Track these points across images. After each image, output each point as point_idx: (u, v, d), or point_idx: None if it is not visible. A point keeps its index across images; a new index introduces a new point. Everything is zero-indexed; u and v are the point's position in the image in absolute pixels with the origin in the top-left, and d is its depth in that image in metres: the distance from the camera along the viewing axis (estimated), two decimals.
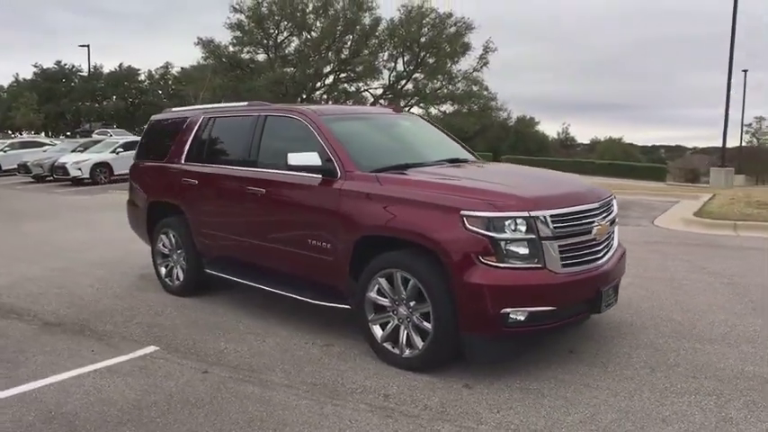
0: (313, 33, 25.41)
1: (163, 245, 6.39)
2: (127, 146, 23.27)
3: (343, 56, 26.99)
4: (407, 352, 4.19)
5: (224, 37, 33.53)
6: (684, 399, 3.71)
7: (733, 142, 48.14)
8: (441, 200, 4.00)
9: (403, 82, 27.59)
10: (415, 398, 3.78)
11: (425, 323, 4.05)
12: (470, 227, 3.81)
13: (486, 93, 26.40)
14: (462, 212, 3.84)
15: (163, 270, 6.45)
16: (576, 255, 4.03)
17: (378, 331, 4.37)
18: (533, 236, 3.82)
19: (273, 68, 25.03)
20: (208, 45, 25.70)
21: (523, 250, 3.81)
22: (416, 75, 27.35)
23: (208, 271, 5.89)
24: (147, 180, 6.62)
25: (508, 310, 3.78)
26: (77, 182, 21.06)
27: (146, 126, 7.07)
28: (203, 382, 4.07)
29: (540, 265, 3.84)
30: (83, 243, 9.49)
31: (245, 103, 5.85)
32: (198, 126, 6.05)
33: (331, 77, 27.56)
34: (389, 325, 4.31)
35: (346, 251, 4.46)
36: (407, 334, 4.19)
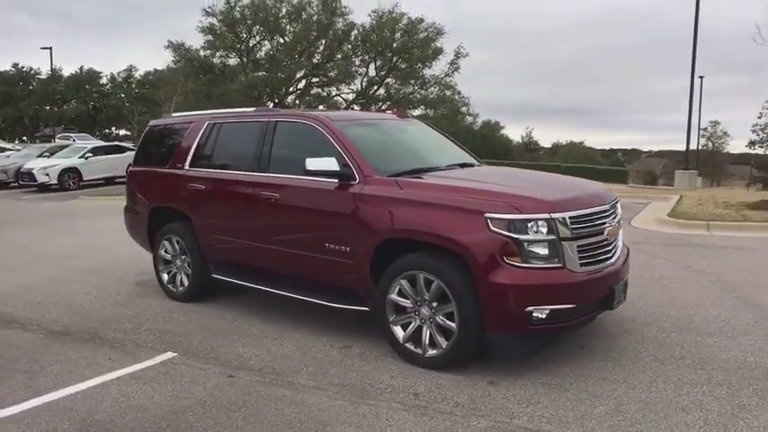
0: (286, 38, 25.36)
1: (165, 251, 6.35)
2: (96, 150, 22.80)
3: (315, 60, 27.00)
4: (430, 351, 4.30)
5: (195, 41, 33.23)
6: (698, 389, 3.93)
7: (690, 146, 49.81)
8: (464, 203, 4.14)
9: (375, 87, 27.79)
10: (445, 396, 3.90)
11: (449, 323, 4.18)
12: (494, 229, 3.96)
13: (458, 97, 26.91)
14: (487, 215, 3.99)
15: (165, 276, 6.41)
16: (591, 254, 4.22)
17: (399, 332, 4.47)
18: (554, 237, 3.99)
19: (246, 73, 24.86)
20: (179, 49, 25.36)
21: (545, 251, 3.98)
22: (388, 80, 27.62)
23: (215, 276, 5.89)
24: (147, 186, 6.56)
25: (532, 308, 3.94)
26: (44, 188, 20.47)
27: (144, 132, 6.99)
28: (231, 386, 4.10)
29: (560, 265, 4.02)
30: (68, 250, 9.29)
31: (253, 109, 5.89)
32: (203, 131, 6.04)
33: (303, 82, 27.57)
34: (411, 326, 4.41)
35: (366, 254, 4.55)
36: (430, 334, 4.31)
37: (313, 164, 4.71)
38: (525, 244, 3.94)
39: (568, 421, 3.53)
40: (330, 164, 4.70)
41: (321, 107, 27.36)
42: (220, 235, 5.72)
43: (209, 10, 24.49)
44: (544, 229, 3.98)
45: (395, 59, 26.37)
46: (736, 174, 48.33)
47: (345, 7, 25.39)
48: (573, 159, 59.10)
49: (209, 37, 24.88)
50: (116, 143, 25.31)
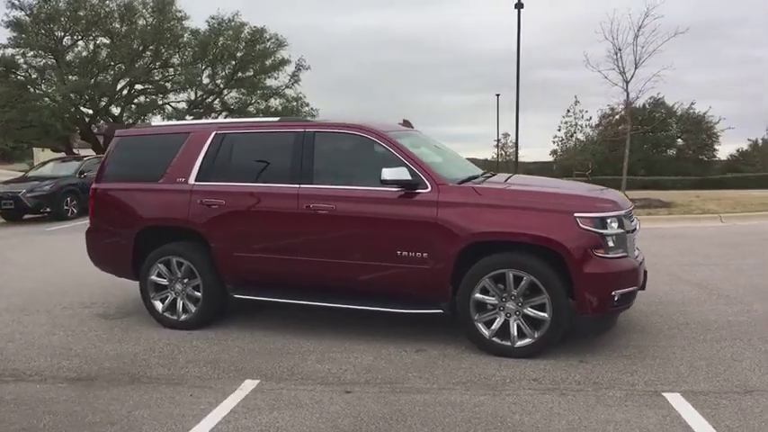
0: (116, 40, 22.73)
1: (159, 275, 5.70)
2: None
3: (138, 65, 24.74)
4: (520, 342, 4.70)
5: None
6: (724, 343, 4.95)
7: (485, 154, 56.62)
8: (553, 205, 4.65)
9: (212, 96, 26.38)
10: (561, 377, 4.34)
11: (541, 313, 4.63)
12: (583, 226, 4.54)
13: (306, 108, 26.87)
14: (576, 214, 4.55)
15: (159, 304, 5.74)
16: (634, 245, 5.04)
17: (484, 329, 4.79)
18: (622, 230, 4.71)
19: (62, 77, 21.73)
20: None
21: (618, 243, 4.67)
22: (228, 89, 26.47)
23: (237, 297, 5.50)
24: (131, 205, 5.78)
25: (614, 292, 4.60)
26: None
27: (112, 144, 6.13)
28: (364, 399, 4.03)
29: (625, 254, 4.74)
30: None
31: (277, 119, 5.63)
32: (210, 142, 5.59)
33: (137, 87, 24.96)
34: (497, 321, 4.76)
35: (449, 258, 4.77)
36: (518, 326, 4.71)
37: (389, 174, 4.79)
38: (606, 238, 4.59)
39: (674, 380, 4.22)
40: (403, 173, 4.84)
41: (150, 116, 25.28)
42: (249, 252, 5.36)
43: (17, 2, 20.88)
44: (615, 224, 4.67)
45: (236, 68, 25.45)
46: None
47: (180, 11, 23.86)
48: None
49: (16, 33, 21.23)
50: None
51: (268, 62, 26.12)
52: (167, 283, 5.71)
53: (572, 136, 31.10)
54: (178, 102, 26.86)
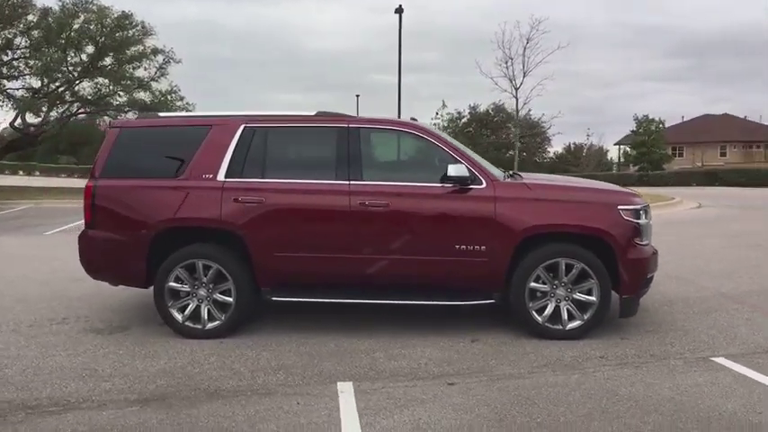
0: None
1: (179, 281, 5.18)
2: None
3: None
4: (570, 324, 5.12)
5: None
6: (713, 315, 5.85)
7: None
8: (600, 199, 5.15)
9: (65, 85, 23.28)
10: (622, 353, 4.82)
11: (590, 297, 5.09)
12: (626, 218, 5.08)
13: (181, 102, 24.82)
14: (619, 207, 5.08)
15: (177, 314, 5.21)
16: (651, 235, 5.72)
17: (536, 315, 5.13)
18: (648, 221, 5.36)
19: None
20: None
21: (646, 232, 5.30)
22: (82, 78, 23.48)
23: (276, 299, 5.21)
24: (146, 203, 5.15)
25: (648, 275, 5.22)
26: None
27: (113, 135, 5.36)
28: (473, 389, 4.12)
29: (648, 242, 5.40)
30: None
31: (313, 113, 5.37)
32: (239, 136, 5.21)
33: None
34: (549, 307, 5.13)
35: (507, 250, 5.03)
36: (568, 310, 5.13)
37: (454, 170, 4.92)
38: (641, 227, 5.19)
39: (707, 348, 4.92)
40: (463, 170, 5.00)
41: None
42: (294, 252, 5.11)
43: None
44: (643, 215, 5.30)
45: (95, 55, 22.70)
46: None
47: None
48: None
49: None
50: None
51: (129, 51, 23.86)
52: (189, 290, 5.21)
53: None
54: (17, 89, 23.48)
